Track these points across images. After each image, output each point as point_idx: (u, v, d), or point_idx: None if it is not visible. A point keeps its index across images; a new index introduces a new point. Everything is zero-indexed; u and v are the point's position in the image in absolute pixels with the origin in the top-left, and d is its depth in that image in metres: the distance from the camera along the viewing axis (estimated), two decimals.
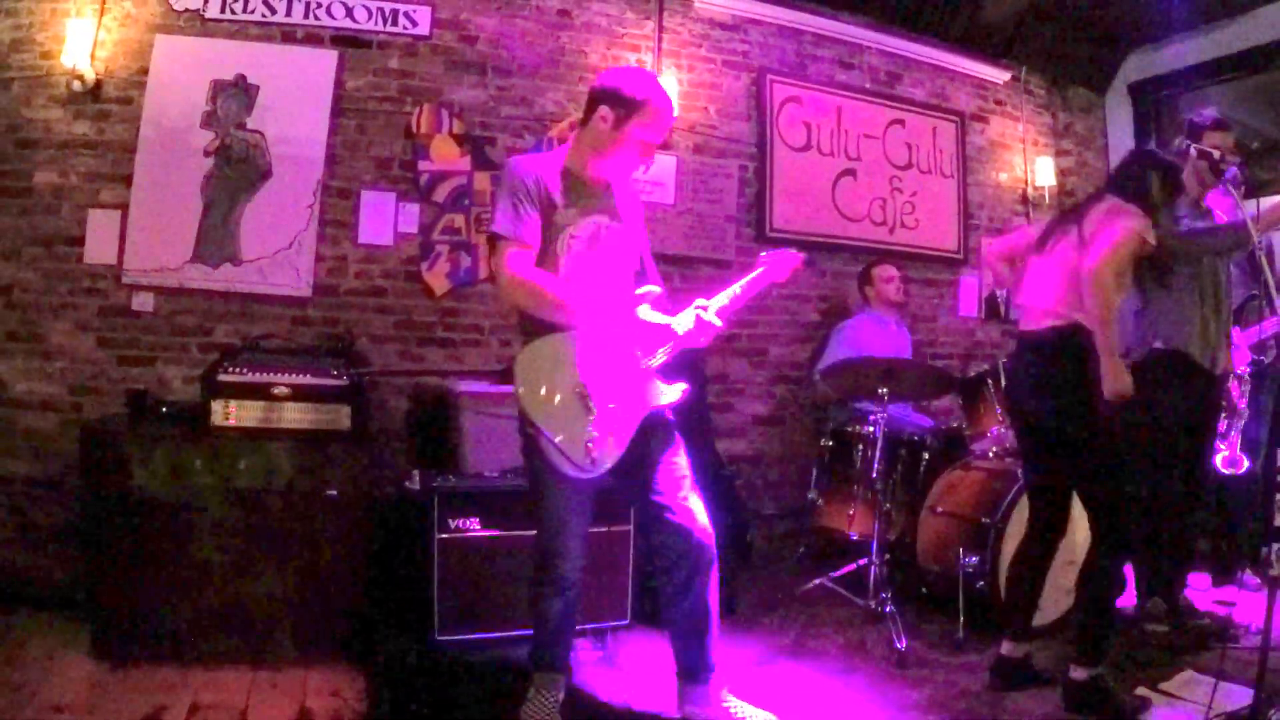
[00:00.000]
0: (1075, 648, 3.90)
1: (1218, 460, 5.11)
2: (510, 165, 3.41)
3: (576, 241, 3.37)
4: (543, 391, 3.21)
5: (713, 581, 3.44)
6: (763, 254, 3.82)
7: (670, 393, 3.44)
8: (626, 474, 3.39)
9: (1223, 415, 5.05)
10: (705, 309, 3.40)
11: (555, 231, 3.33)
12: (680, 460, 3.47)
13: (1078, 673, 3.83)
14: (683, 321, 3.39)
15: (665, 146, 6.12)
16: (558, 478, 3.26)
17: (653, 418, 3.42)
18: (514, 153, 5.79)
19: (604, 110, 3.34)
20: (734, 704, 3.51)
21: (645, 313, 3.44)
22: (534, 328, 3.33)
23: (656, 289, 3.52)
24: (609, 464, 3.27)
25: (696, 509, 3.41)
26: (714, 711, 3.48)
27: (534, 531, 4.03)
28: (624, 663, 4.13)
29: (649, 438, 3.41)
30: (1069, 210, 4.22)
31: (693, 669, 3.51)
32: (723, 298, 3.52)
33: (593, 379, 3.27)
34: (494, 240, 3.31)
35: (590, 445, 3.21)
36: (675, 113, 3.49)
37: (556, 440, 3.18)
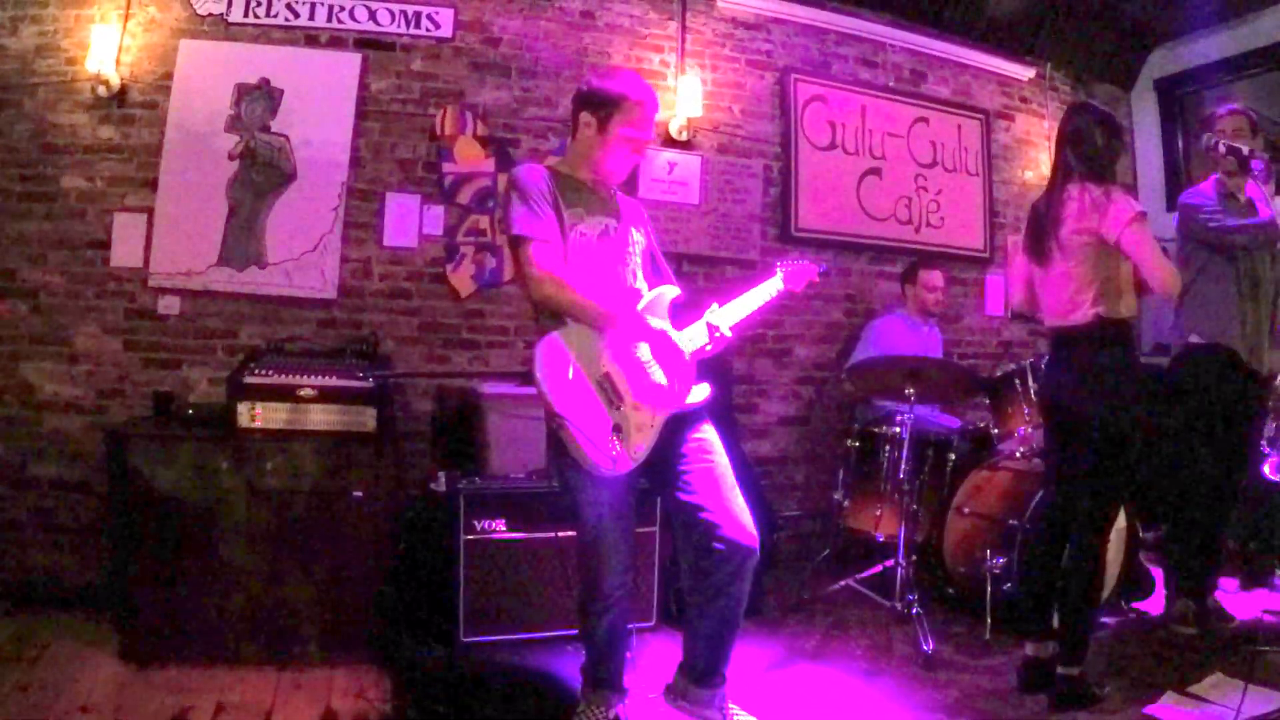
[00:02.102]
0: (1062, 646, 3.91)
1: (1265, 468, 5.04)
2: (518, 172, 3.37)
3: (584, 238, 3.33)
4: (566, 379, 3.12)
5: (749, 586, 3.33)
6: (779, 264, 3.81)
7: (695, 392, 3.38)
8: (659, 473, 3.35)
9: (1270, 418, 4.98)
10: (717, 324, 3.36)
11: (563, 230, 3.30)
12: (717, 457, 3.37)
13: (1064, 670, 3.85)
14: (695, 336, 3.38)
15: (688, 145, 6.13)
16: (591, 482, 3.20)
17: (683, 416, 3.36)
18: (537, 154, 5.81)
19: (585, 116, 3.40)
20: (738, 714, 3.46)
21: (657, 323, 3.36)
22: (545, 313, 3.29)
23: (675, 289, 3.49)
24: (637, 460, 3.19)
25: (738, 509, 3.28)
26: (715, 716, 3.43)
27: (558, 533, 4.04)
28: (649, 665, 4.11)
29: (679, 436, 3.34)
30: (1044, 212, 4.06)
31: (706, 672, 3.43)
32: (736, 310, 3.50)
33: (617, 370, 3.21)
34: (516, 242, 3.26)
35: (616, 439, 3.13)
36: (669, 109, 3.43)
37: (581, 431, 3.08)
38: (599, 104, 3.36)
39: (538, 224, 3.23)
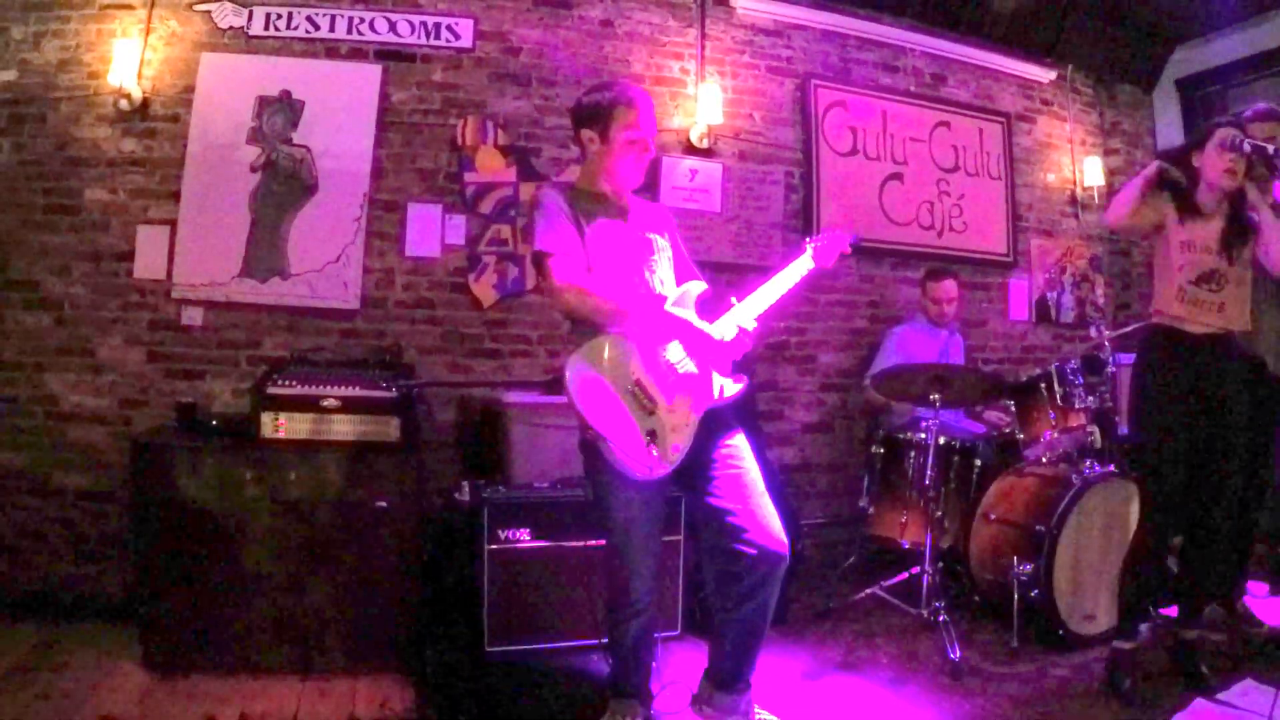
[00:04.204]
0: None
1: None
2: (539, 192, 3.45)
3: (606, 247, 3.35)
4: (598, 393, 3.12)
5: (777, 592, 3.30)
6: (809, 240, 3.84)
7: (730, 386, 3.37)
8: (687, 479, 3.33)
9: None
10: (744, 319, 3.37)
11: (584, 241, 3.33)
12: (746, 464, 3.35)
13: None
14: (723, 329, 3.35)
15: (709, 153, 6.11)
16: (623, 484, 3.19)
17: (714, 419, 3.33)
18: (559, 163, 5.84)
19: (586, 133, 3.45)
20: (764, 718, 3.46)
21: (688, 316, 3.33)
22: (584, 335, 3.27)
23: (701, 285, 3.48)
24: (673, 463, 3.19)
25: (766, 515, 3.25)
26: None
27: (583, 542, 4.01)
28: (673, 675, 4.09)
29: (709, 441, 3.32)
30: None
31: (730, 678, 3.39)
32: (760, 300, 3.50)
33: (648, 376, 3.20)
34: (539, 258, 3.30)
35: (652, 446, 3.12)
36: (654, 111, 3.46)
37: (617, 443, 3.09)
38: (594, 117, 3.41)
39: (556, 238, 3.26)
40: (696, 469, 3.31)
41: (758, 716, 3.44)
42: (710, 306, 3.43)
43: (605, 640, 3.58)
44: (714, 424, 3.35)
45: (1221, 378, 4.06)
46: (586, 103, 3.46)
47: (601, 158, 3.43)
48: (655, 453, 3.12)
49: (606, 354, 3.18)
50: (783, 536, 3.24)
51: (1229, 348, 4.09)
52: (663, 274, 3.50)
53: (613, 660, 3.54)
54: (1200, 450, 4.10)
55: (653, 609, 3.46)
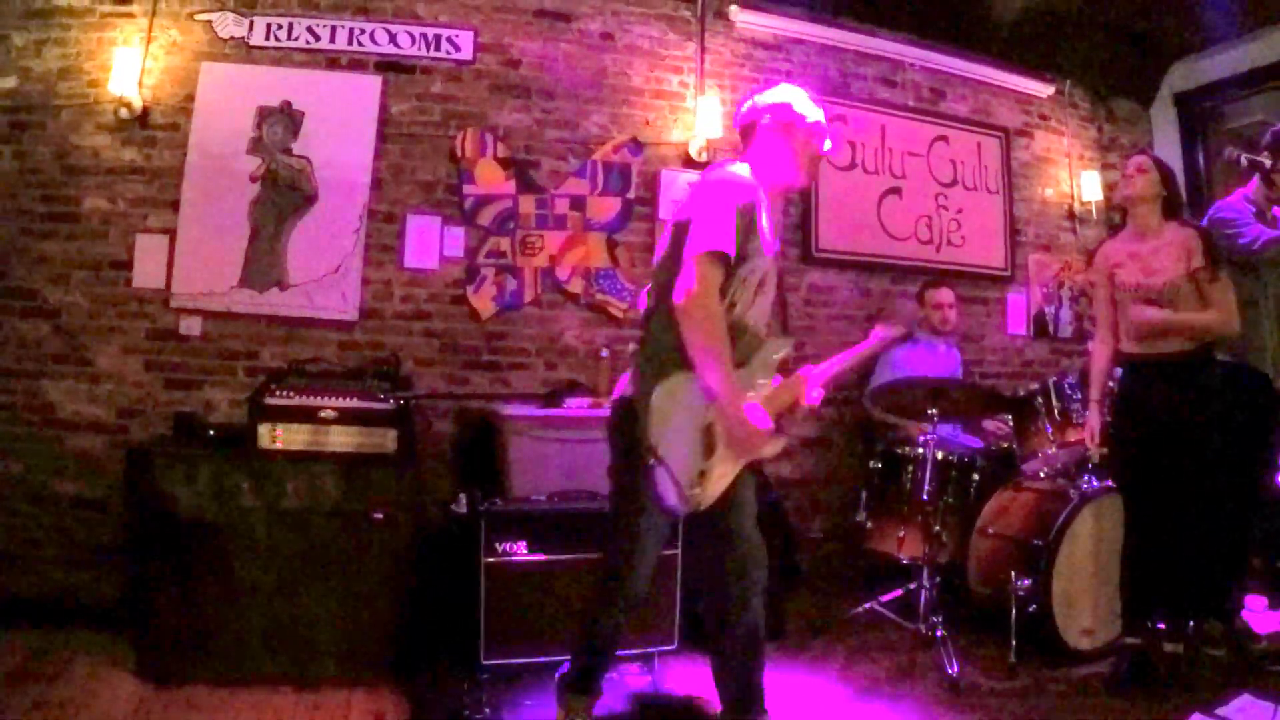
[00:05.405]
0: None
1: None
2: (737, 180, 3.21)
3: (752, 283, 3.23)
4: (672, 426, 3.11)
5: (763, 601, 3.37)
6: (875, 329, 4.00)
7: (776, 445, 3.38)
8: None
9: None
10: (813, 389, 3.47)
11: (740, 262, 3.14)
12: (751, 486, 3.43)
13: (1129, 641, 4.30)
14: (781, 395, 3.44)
15: (709, 165, 6.09)
16: (654, 503, 3.18)
17: None
18: (558, 176, 5.87)
19: (767, 120, 3.41)
20: None
21: (768, 393, 3.38)
22: (669, 363, 3.14)
23: (789, 345, 3.49)
24: (707, 505, 3.21)
25: (756, 528, 3.39)
26: None
27: (580, 555, 4.01)
28: (671, 688, 4.08)
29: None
30: None
31: (747, 699, 3.37)
32: (827, 369, 3.61)
33: (717, 424, 3.16)
34: (709, 254, 3.03)
35: (700, 484, 3.16)
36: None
37: (671, 475, 3.10)
38: (773, 103, 3.42)
39: (731, 247, 3.07)
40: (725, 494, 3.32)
41: None
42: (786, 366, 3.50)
43: (581, 633, 3.55)
44: None
45: (1188, 394, 4.14)
46: (762, 96, 3.47)
47: (777, 142, 3.41)
48: (698, 493, 3.16)
49: (689, 393, 3.14)
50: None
51: (1194, 365, 4.20)
52: (769, 314, 3.45)
53: (579, 655, 3.55)
54: (1177, 465, 4.15)
55: (634, 611, 3.50)
